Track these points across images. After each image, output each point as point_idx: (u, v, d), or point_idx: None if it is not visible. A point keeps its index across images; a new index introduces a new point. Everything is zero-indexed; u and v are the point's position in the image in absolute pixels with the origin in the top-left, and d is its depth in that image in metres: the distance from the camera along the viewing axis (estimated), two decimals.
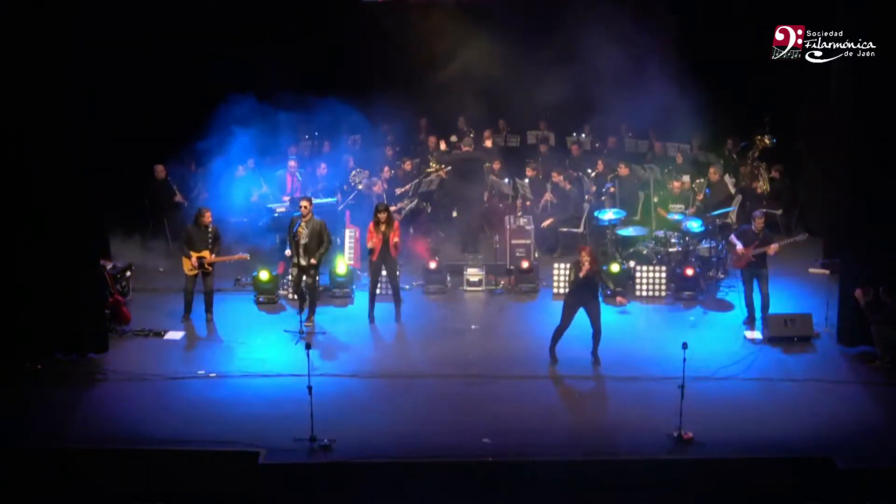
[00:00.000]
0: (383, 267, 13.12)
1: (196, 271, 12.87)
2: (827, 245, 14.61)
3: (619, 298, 13.14)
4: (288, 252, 13.17)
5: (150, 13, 16.57)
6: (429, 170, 16.59)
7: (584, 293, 11.62)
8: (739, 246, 12.76)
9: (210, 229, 12.92)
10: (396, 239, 12.90)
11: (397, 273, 13.40)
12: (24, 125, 11.24)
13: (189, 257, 12.82)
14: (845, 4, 11.87)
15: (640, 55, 16.12)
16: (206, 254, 12.84)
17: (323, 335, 12.62)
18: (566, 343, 12.32)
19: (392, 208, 14.05)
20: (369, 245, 12.94)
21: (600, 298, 11.93)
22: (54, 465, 9.73)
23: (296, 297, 13.19)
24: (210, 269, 12.93)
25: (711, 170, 15.70)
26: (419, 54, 16.84)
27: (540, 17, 17.70)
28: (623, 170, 15.81)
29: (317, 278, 12.94)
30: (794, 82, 16.15)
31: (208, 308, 13.03)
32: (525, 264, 14.29)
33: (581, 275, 11.48)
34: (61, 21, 11.17)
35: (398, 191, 16.19)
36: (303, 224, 12.63)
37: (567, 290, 11.88)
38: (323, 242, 12.69)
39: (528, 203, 16.09)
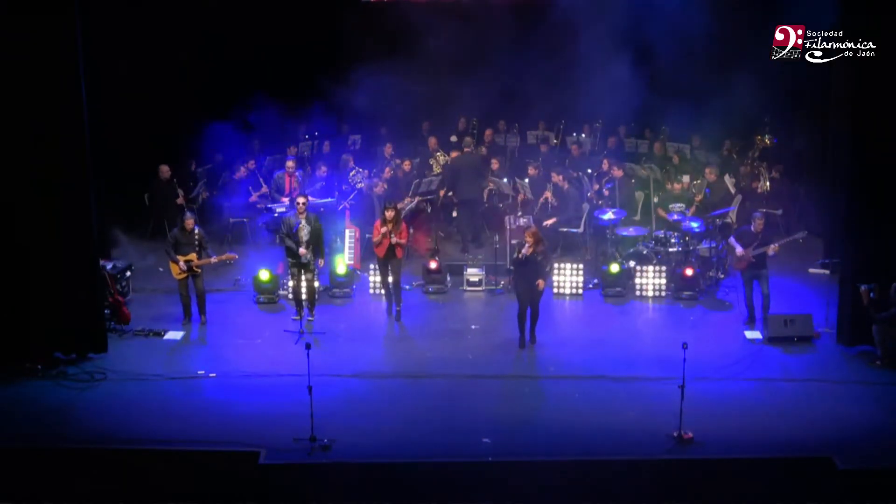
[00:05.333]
0: (389, 265, 13.13)
1: (185, 274, 12.83)
2: (827, 245, 14.62)
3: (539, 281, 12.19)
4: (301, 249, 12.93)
5: (152, 13, 16.58)
6: (431, 175, 16.63)
7: (528, 273, 11.97)
8: (739, 248, 12.77)
9: (196, 234, 12.89)
10: (397, 239, 12.89)
11: (399, 273, 13.35)
12: (23, 124, 11.23)
13: (177, 262, 12.78)
14: (845, 4, 11.87)
15: (640, 56, 16.16)
16: (192, 257, 12.80)
17: (323, 335, 12.63)
18: (565, 344, 12.36)
19: (400, 205, 14.14)
20: (374, 239, 13.01)
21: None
22: (54, 465, 9.73)
23: (292, 298, 13.22)
24: (199, 270, 12.91)
25: (707, 170, 15.72)
26: (419, 54, 16.85)
27: (540, 19, 17.72)
28: (617, 172, 15.83)
29: (316, 273, 13.02)
30: (794, 82, 16.16)
31: (201, 311, 13.00)
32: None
33: (521, 254, 11.93)
34: (64, 20, 11.16)
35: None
36: (303, 221, 12.74)
37: (513, 270, 12.36)
38: (320, 236, 12.89)
39: (527, 197, 16.11)
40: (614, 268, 13.98)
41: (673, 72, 16.45)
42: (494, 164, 17.16)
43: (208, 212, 16.44)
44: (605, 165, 16.54)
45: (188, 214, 13.08)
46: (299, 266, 12.88)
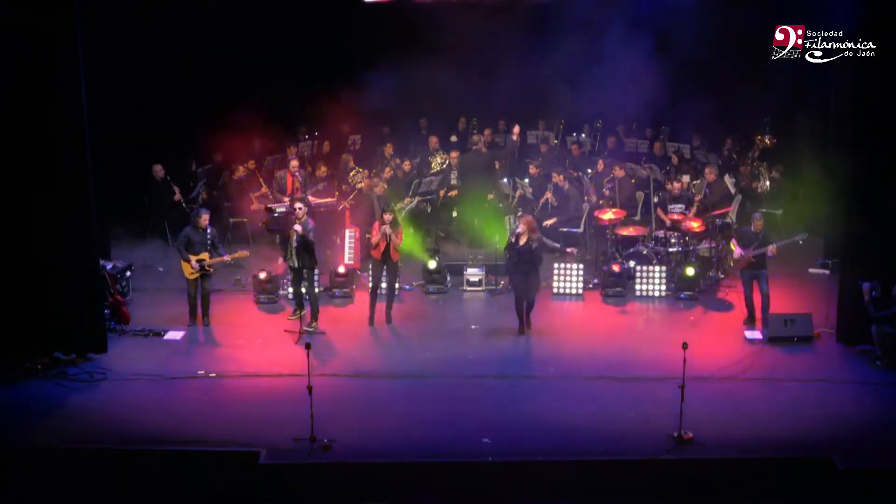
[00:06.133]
0: (385, 267, 13.10)
1: (197, 274, 12.77)
2: (827, 245, 14.62)
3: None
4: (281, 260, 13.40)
5: (152, 13, 16.59)
6: (433, 173, 16.64)
7: (523, 264, 12.23)
8: (738, 251, 12.78)
9: (209, 232, 12.83)
10: (396, 240, 12.84)
11: (397, 275, 13.30)
12: (24, 124, 11.22)
13: (189, 261, 12.73)
14: (845, 4, 11.87)
15: (641, 56, 16.16)
16: (205, 256, 12.75)
17: (323, 335, 12.63)
18: (565, 344, 12.35)
19: (399, 205, 14.14)
20: (373, 240, 12.92)
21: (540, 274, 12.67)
22: (54, 465, 9.72)
23: (292, 299, 13.21)
24: (211, 269, 12.89)
25: (707, 170, 15.73)
26: (420, 54, 16.85)
27: (541, 20, 17.75)
28: (617, 172, 15.85)
29: (313, 281, 12.95)
30: (794, 82, 16.17)
31: (205, 312, 12.96)
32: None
33: (518, 241, 12.14)
34: (64, 20, 11.15)
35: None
36: (294, 226, 12.59)
37: (508, 260, 12.68)
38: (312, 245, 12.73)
39: (527, 196, 16.11)
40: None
41: (674, 72, 16.46)
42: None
43: None
44: (600, 167, 16.57)
45: (202, 211, 12.99)
46: (293, 270, 12.82)
